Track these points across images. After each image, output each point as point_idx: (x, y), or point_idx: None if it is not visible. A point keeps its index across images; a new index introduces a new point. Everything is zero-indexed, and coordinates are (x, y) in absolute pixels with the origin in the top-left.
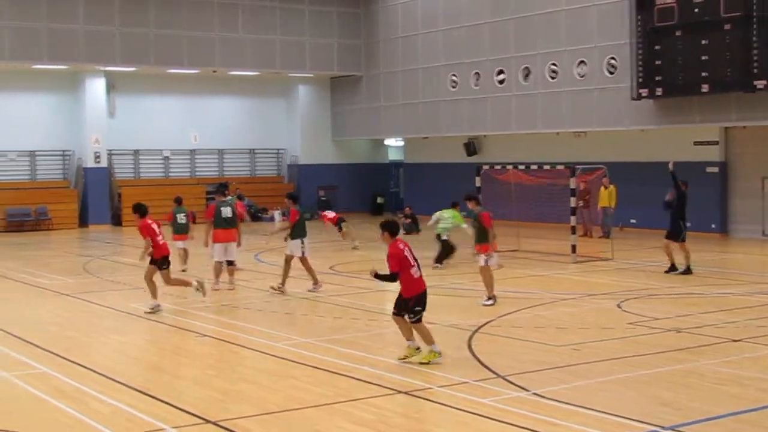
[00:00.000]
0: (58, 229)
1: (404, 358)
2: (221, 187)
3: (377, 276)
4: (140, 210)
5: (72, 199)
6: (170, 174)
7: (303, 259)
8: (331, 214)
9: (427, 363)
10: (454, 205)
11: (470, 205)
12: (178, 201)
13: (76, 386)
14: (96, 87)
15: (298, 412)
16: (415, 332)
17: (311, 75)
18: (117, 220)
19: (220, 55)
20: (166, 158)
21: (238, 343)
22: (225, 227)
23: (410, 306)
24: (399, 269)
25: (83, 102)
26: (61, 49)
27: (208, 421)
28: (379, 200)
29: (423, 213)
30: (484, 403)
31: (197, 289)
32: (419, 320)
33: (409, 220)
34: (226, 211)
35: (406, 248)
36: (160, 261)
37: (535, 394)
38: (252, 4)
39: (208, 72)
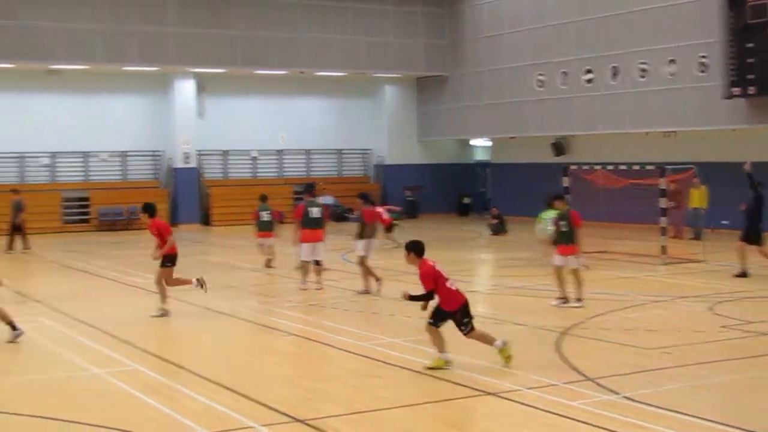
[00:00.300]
0: None
1: (433, 368)
2: (309, 187)
3: (411, 297)
4: (151, 209)
5: (162, 198)
6: (258, 174)
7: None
8: (385, 214)
9: (509, 357)
10: (550, 204)
11: (558, 204)
12: (263, 198)
13: (167, 383)
14: (185, 88)
15: (387, 412)
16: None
17: (398, 75)
18: (206, 220)
19: (307, 56)
20: (254, 158)
21: (325, 342)
22: (313, 227)
23: (458, 319)
24: (435, 286)
25: (173, 103)
26: (152, 51)
27: (296, 420)
28: (466, 201)
29: (510, 213)
30: (573, 406)
31: (198, 286)
32: (472, 329)
33: (496, 221)
34: (315, 211)
35: (436, 264)
36: (170, 258)
37: (625, 397)
38: (338, 5)
39: (296, 73)
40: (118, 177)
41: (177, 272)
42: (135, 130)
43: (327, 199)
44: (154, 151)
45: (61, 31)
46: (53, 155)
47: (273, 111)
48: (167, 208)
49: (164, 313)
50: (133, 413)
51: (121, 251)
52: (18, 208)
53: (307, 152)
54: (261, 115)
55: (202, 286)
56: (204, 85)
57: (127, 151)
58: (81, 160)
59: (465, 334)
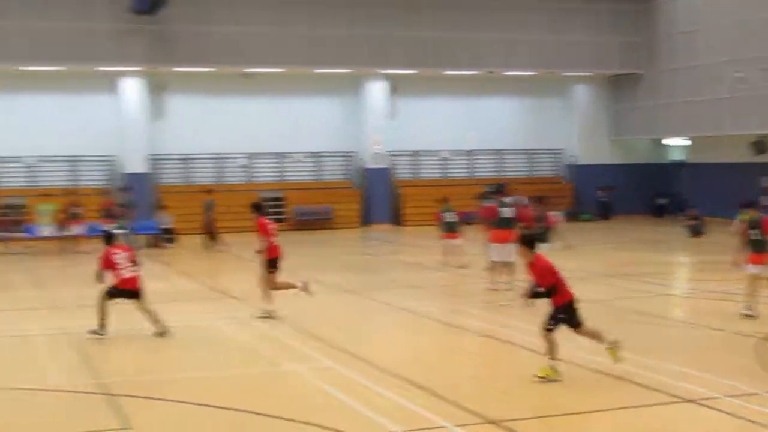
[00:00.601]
0: (342, 228)
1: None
2: (500, 187)
3: (535, 294)
4: (258, 208)
5: (355, 199)
6: (448, 174)
7: None
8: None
9: (546, 375)
10: (747, 206)
11: (750, 211)
12: (445, 200)
13: (359, 381)
14: (377, 90)
15: (582, 416)
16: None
17: (589, 74)
18: (397, 220)
19: (497, 56)
20: (445, 159)
21: (514, 343)
22: (504, 227)
23: (554, 313)
24: (555, 279)
25: (365, 104)
26: (344, 53)
27: (489, 421)
28: (661, 201)
29: (707, 214)
30: None
31: (303, 290)
32: (552, 330)
33: (693, 222)
34: (506, 212)
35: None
36: (269, 262)
37: None
38: (527, 5)
39: (485, 73)
40: (312, 177)
41: (364, 267)
42: (328, 131)
43: (519, 200)
44: (346, 152)
45: (257, 36)
46: (249, 156)
47: (462, 111)
48: (359, 208)
49: (269, 315)
50: (325, 409)
51: (317, 249)
52: (208, 207)
53: (498, 152)
54: (450, 115)
55: (306, 290)
56: (396, 86)
57: (320, 152)
58: (276, 160)
59: (546, 329)
